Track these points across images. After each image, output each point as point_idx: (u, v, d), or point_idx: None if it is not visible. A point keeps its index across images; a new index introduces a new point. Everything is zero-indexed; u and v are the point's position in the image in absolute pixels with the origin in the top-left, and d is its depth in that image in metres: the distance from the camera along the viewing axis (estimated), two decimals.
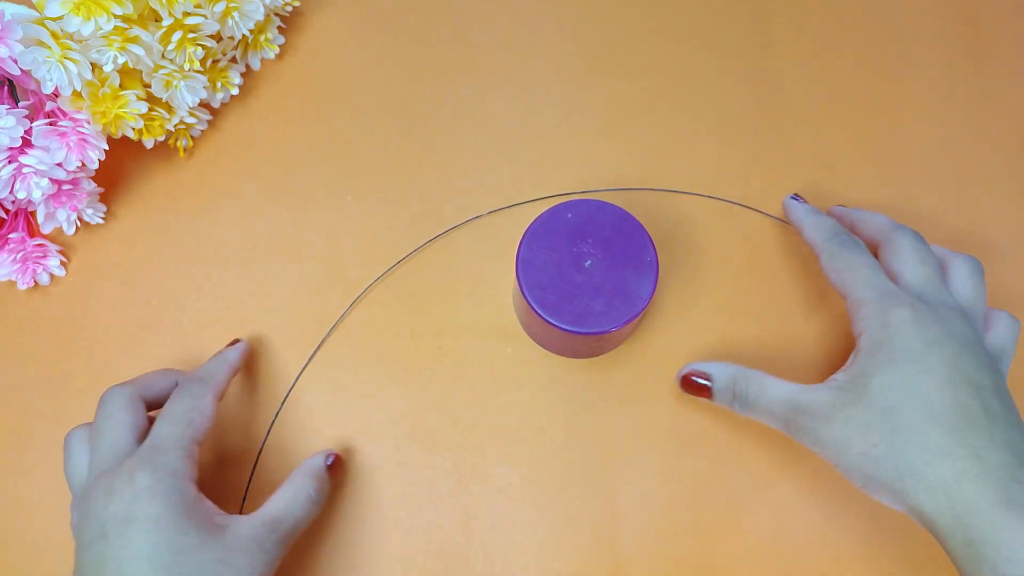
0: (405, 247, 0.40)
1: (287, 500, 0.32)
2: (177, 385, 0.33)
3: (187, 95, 0.37)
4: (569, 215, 0.34)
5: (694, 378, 0.34)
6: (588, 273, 0.33)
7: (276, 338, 0.39)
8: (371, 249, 0.40)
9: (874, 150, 0.42)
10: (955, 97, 0.43)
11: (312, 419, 0.38)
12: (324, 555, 0.36)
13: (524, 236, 0.34)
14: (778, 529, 0.36)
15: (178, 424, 0.31)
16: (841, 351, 0.39)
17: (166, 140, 0.40)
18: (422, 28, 0.43)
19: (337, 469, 0.35)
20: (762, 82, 0.43)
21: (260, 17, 0.38)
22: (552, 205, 0.34)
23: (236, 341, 0.37)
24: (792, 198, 0.38)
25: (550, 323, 0.33)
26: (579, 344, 0.35)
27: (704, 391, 0.34)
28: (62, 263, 0.39)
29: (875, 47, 0.44)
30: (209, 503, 0.30)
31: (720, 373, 0.33)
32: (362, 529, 0.36)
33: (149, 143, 0.39)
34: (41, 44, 0.32)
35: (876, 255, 0.34)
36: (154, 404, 0.33)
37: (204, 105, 0.40)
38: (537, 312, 0.33)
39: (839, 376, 0.31)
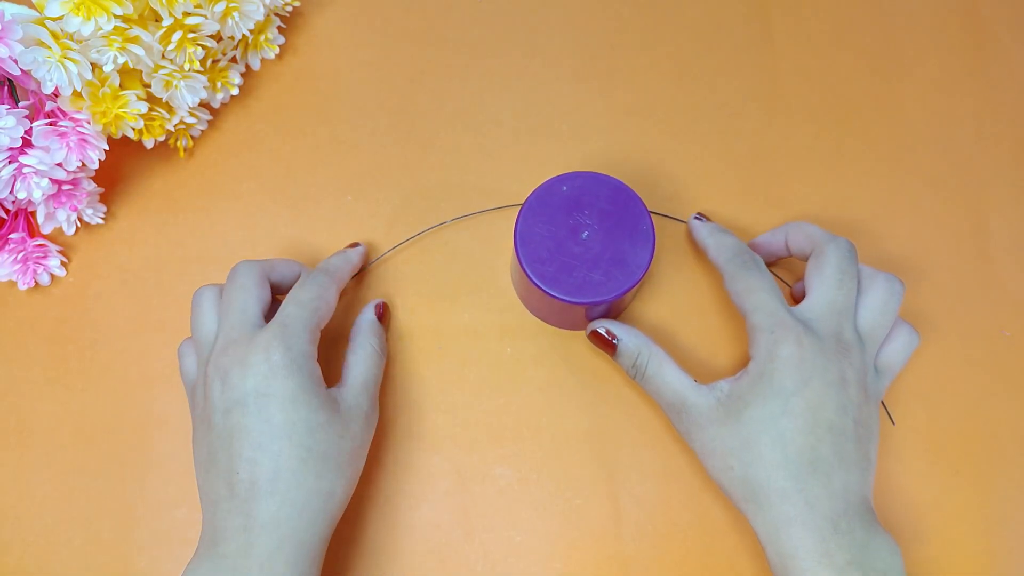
0: (406, 247, 0.40)
1: (364, 362, 0.34)
2: (300, 275, 0.35)
3: (187, 95, 0.37)
4: (565, 188, 0.34)
5: (602, 332, 0.35)
6: (585, 244, 0.33)
7: None
8: (371, 249, 0.40)
9: (875, 150, 0.42)
10: (956, 96, 0.43)
11: None
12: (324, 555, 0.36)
13: (521, 210, 0.34)
14: None
15: (306, 309, 0.32)
16: None
17: (166, 140, 0.40)
18: (422, 28, 0.43)
19: (385, 317, 0.37)
20: (762, 82, 0.43)
21: (260, 17, 0.38)
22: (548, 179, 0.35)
23: (355, 244, 0.39)
24: (695, 218, 0.39)
25: (550, 295, 0.33)
26: (579, 315, 0.36)
27: (609, 347, 0.35)
28: (62, 263, 0.39)
29: (876, 46, 0.44)
30: (324, 383, 0.32)
31: (627, 339, 0.35)
32: (362, 529, 0.36)
33: (149, 143, 0.39)
34: (41, 44, 0.32)
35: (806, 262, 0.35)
36: (276, 288, 0.35)
37: (204, 105, 0.40)
38: (536, 284, 0.33)
39: (725, 387, 0.32)
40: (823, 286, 0.33)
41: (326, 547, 0.31)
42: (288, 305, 0.32)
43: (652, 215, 0.40)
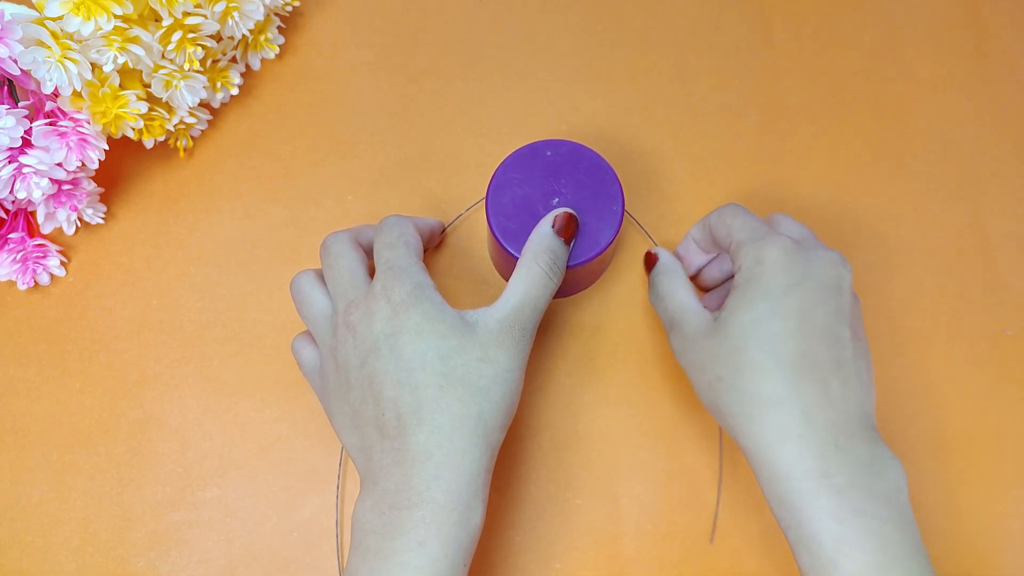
0: None
1: (522, 284, 0.32)
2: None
3: (187, 95, 0.37)
4: (549, 153, 0.34)
5: (651, 252, 0.36)
6: (554, 210, 0.33)
7: (276, 338, 0.39)
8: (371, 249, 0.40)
9: (875, 150, 0.42)
10: (956, 96, 0.43)
11: (313, 421, 0.38)
12: (324, 555, 0.36)
13: (501, 164, 0.34)
14: (778, 529, 0.36)
15: (398, 247, 0.32)
16: None
17: (166, 140, 0.40)
18: (422, 28, 0.43)
19: (568, 228, 0.33)
20: (762, 82, 0.43)
21: (260, 17, 0.38)
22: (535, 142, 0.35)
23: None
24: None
25: (505, 249, 0.33)
26: None
27: (651, 263, 0.36)
28: (62, 263, 0.39)
29: (876, 47, 0.44)
30: (452, 308, 0.31)
31: (664, 257, 0.35)
32: None
33: (149, 143, 0.39)
34: (41, 44, 0.32)
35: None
36: (366, 252, 0.34)
37: (204, 105, 0.40)
38: (496, 236, 0.33)
39: (721, 299, 0.32)
40: (789, 226, 0.33)
41: (489, 477, 0.30)
42: (381, 252, 0.32)
43: (629, 216, 0.40)
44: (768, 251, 0.30)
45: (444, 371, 0.29)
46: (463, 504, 0.28)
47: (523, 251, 0.32)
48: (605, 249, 0.33)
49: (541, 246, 0.32)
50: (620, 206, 0.34)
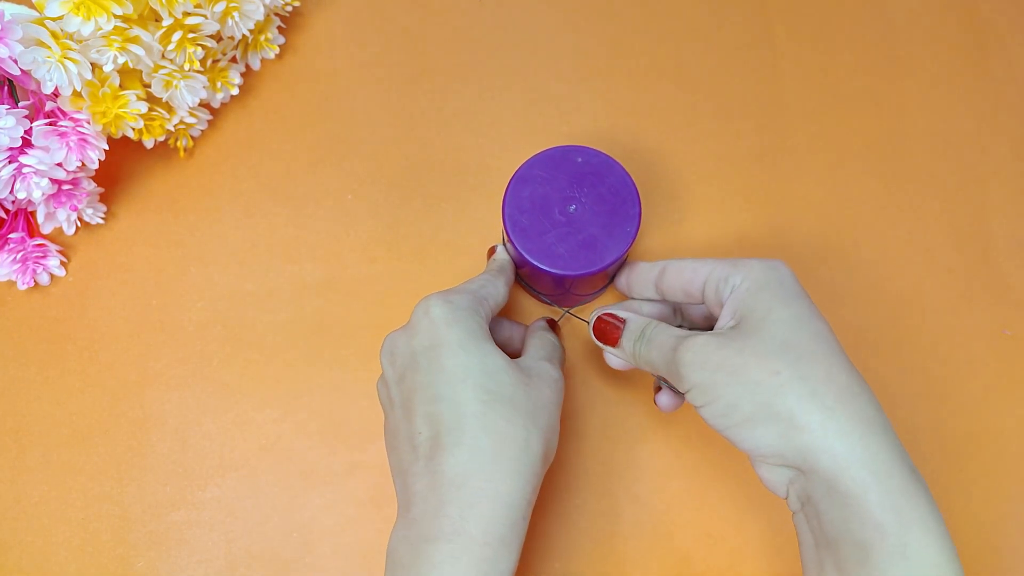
0: (406, 247, 0.40)
1: (539, 341, 0.33)
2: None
3: (187, 95, 0.37)
4: (579, 159, 0.34)
5: (608, 319, 0.33)
6: (569, 217, 0.33)
7: (276, 338, 0.39)
8: (371, 249, 0.40)
9: (875, 150, 0.42)
10: (956, 96, 0.43)
11: (313, 421, 0.38)
12: (324, 555, 0.36)
13: (529, 159, 0.34)
14: (778, 528, 0.36)
15: (470, 289, 0.32)
16: None
17: (166, 140, 0.40)
18: (422, 28, 0.43)
19: (555, 328, 0.36)
20: (762, 82, 0.43)
21: (260, 17, 0.38)
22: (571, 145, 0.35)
23: (492, 249, 0.37)
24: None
25: (509, 238, 0.33)
26: (529, 275, 0.36)
27: (615, 332, 0.32)
28: (62, 263, 0.39)
29: (876, 46, 0.44)
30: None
31: (633, 320, 0.32)
32: (362, 529, 0.36)
33: (149, 143, 0.39)
34: (41, 44, 0.32)
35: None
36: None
37: (204, 105, 0.40)
38: (505, 224, 0.33)
39: (726, 317, 0.29)
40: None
41: (530, 512, 0.27)
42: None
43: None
44: (776, 263, 0.29)
45: (490, 386, 0.27)
46: (498, 539, 0.25)
47: (528, 333, 0.35)
48: (609, 266, 0.33)
49: (546, 329, 0.35)
50: (635, 228, 0.33)
